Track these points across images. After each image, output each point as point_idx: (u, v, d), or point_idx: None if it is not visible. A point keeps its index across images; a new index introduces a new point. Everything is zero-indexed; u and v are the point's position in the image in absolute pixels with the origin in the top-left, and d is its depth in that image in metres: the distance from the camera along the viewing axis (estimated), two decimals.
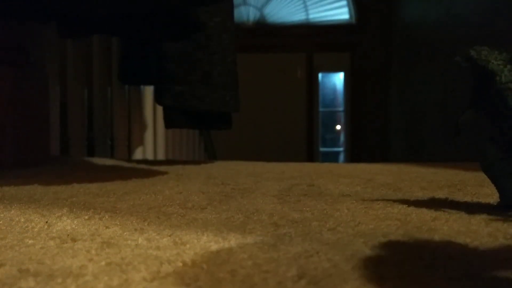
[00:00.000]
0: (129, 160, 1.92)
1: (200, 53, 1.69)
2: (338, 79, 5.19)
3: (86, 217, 0.72)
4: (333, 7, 4.68)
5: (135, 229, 0.64)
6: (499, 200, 0.72)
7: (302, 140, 5.07)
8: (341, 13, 4.69)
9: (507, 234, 0.61)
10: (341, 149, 5.26)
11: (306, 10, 4.82)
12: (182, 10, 1.60)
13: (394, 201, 0.83)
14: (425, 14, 3.71)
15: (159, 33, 1.67)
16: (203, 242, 0.57)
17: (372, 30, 4.63)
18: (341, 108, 5.20)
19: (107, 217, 0.72)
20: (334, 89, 5.25)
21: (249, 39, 4.61)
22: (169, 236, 0.60)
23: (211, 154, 3.14)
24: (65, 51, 2.10)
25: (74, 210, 0.76)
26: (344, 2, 4.64)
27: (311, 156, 5.05)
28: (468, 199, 0.85)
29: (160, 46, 1.70)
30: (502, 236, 0.57)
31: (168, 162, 1.82)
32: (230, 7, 1.76)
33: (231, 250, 0.53)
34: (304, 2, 4.81)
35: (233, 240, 0.58)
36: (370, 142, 4.96)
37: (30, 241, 0.58)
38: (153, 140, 2.33)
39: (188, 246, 0.55)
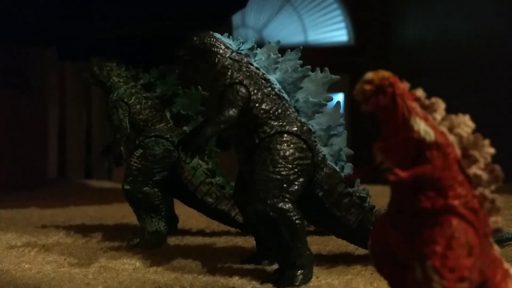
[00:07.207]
0: None
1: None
2: (338, 100, 5.23)
3: (83, 241, 0.71)
4: (331, 29, 4.73)
5: (133, 253, 0.63)
6: None
7: None
8: (340, 35, 4.72)
9: (508, 257, 0.61)
10: None
11: (305, 32, 4.87)
12: (180, 34, 1.62)
13: None
14: (422, 35, 3.75)
15: (157, 55, 1.69)
16: (201, 266, 0.56)
17: (371, 52, 4.66)
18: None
19: (104, 241, 0.72)
20: None
21: None
22: (167, 260, 0.59)
23: None
24: (64, 74, 2.11)
25: (71, 233, 0.76)
26: (343, 24, 4.69)
27: None
28: None
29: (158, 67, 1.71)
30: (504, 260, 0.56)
31: None
32: (229, 30, 1.78)
33: (230, 274, 0.53)
34: (303, 24, 4.86)
35: (232, 264, 0.58)
36: (371, 162, 4.96)
37: (27, 266, 0.57)
38: None
39: (186, 270, 0.54)
